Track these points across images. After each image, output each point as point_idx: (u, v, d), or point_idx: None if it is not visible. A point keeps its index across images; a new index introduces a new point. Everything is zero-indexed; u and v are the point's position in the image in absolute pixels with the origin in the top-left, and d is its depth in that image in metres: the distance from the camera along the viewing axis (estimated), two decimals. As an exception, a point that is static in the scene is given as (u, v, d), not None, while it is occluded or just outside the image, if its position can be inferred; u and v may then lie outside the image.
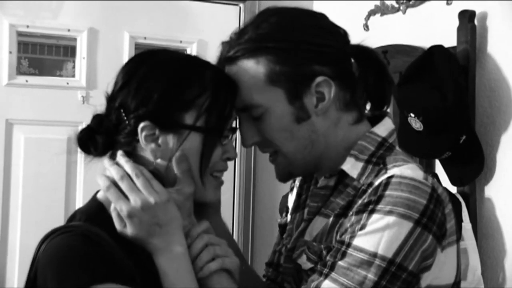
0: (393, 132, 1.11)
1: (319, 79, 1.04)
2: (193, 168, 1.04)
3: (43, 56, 2.79)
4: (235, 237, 2.69)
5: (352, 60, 1.10)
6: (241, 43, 1.06)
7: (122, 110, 1.02)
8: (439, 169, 1.96)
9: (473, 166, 1.89)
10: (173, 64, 1.05)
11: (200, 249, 1.02)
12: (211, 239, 1.04)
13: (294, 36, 1.06)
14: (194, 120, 1.01)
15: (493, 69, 1.89)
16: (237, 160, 2.66)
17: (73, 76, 2.57)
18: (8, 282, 2.43)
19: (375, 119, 1.12)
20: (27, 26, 2.45)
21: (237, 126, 1.12)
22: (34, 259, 0.96)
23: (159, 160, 1.02)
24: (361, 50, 1.11)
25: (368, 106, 1.15)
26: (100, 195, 1.04)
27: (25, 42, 2.60)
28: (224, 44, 1.09)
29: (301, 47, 1.05)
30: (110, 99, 1.05)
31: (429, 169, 2.02)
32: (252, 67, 1.05)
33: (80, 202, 2.47)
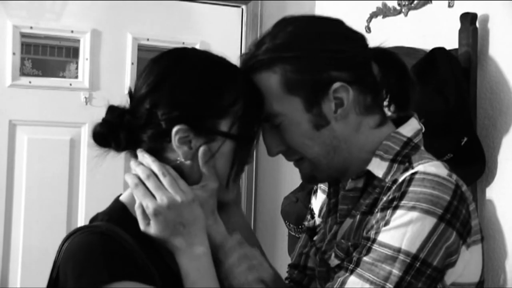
0: (418, 133, 1.12)
1: (336, 85, 1.05)
2: (222, 172, 1.05)
3: (46, 57, 2.80)
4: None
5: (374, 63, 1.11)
6: (259, 55, 1.07)
7: (154, 111, 1.01)
8: (440, 171, 1.96)
9: (474, 168, 1.89)
10: (209, 68, 1.05)
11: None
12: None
13: (309, 44, 1.07)
14: (228, 127, 1.02)
15: (495, 72, 1.89)
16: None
17: (76, 77, 2.58)
18: (11, 282, 2.44)
19: (400, 121, 1.13)
20: (31, 28, 2.46)
21: (259, 135, 1.12)
22: (57, 259, 0.98)
23: (188, 162, 1.03)
24: (381, 53, 1.12)
25: (392, 108, 1.16)
26: (124, 197, 1.06)
27: (28, 43, 2.61)
28: (243, 56, 1.11)
29: (317, 54, 1.06)
30: (139, 97, 1.03)
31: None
32: (270, 78, 1.06)
33: (83, 202, 2.46)
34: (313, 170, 1.12)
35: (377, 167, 1.07)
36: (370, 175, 1.08)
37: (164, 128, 1.01)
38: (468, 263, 1.01)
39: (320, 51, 1.06)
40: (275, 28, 1.10)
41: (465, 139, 1.84)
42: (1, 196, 2.42)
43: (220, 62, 1.08)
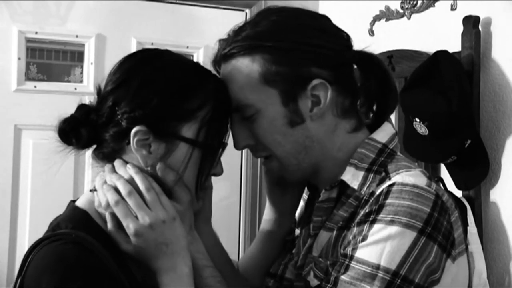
0: (393, 137, 1.07)
1: (315, 81, 1.00)
2: (188, 181, 1.00)
3: (51, 61, 2.81)
4: (241, 242, 2.70)
5: (355, 67, 1.06)
6: (238, 40, 1.02)
7: (116, 109, 0.97)
8: (444, 173, 1.97)
9: (478, 170, 1.89)
10: (179, 70, 1.00)
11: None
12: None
13: (293, 36, 1.02)
14: (193, 133, 0.98)
15: (498, 74, 1.90)
16: (244, 164, 2.66)
17: (81, 81, 2.59)
18: (17, 286, 2.45)
19: (375, 126, 1.08)
20: (36, 33, 2.48)
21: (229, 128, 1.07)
22: (22, 268, 0.93)
23: (149, 168, 0.98)
24: (364, 56, 1.07)
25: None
26: (82, 203, 1.02)
27: (33, 48, 2.61)
28: (221, 41, 1.06)
29: (300, 47, 1.01)
30: (104, 94, 1.00)
31: (434, 173, 2.03)
32: (247, 65, 1.01)
33: (87, 206, 2.48)
34: (281, 170, 1.06)
35: (352, 177, 1.01)
36: (344, 184, 1.02)
37: (124, 128, 0.96)
38: (456, 276, 0.96)
39: (302, 44, 1.01)
40: (257, 16, 1.05)
41: (469, 141, 1.85)
42: (7, 200, 2.43)
43: (191, 65, 1.03)
